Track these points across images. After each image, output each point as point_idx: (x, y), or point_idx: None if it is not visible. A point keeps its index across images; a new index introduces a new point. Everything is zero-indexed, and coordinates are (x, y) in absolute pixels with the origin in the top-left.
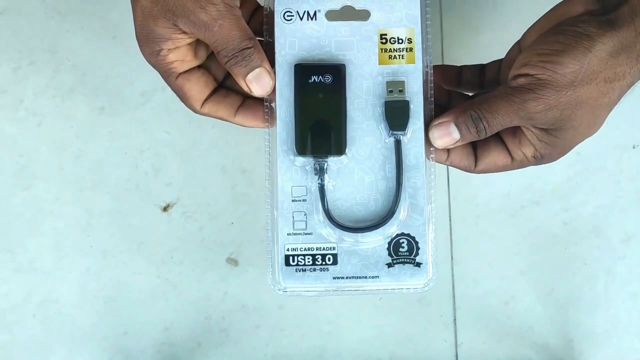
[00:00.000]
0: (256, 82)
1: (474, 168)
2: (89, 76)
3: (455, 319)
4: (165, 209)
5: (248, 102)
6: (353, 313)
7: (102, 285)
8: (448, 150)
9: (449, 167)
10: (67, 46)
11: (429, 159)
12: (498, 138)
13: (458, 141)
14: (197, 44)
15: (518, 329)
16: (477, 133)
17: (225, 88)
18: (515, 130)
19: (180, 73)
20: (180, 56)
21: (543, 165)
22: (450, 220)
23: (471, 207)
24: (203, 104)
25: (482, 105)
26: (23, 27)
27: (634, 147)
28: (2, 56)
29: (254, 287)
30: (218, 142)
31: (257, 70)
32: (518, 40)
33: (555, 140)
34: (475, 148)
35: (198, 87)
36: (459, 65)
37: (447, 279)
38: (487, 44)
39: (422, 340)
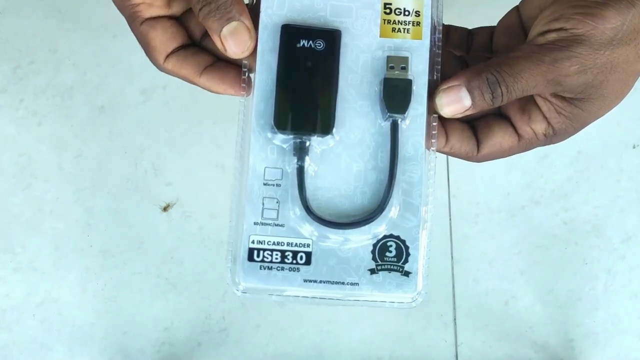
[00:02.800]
0: (232, 38)
1: (476, 154)
2: (89, 75)
3: (455, 319)
4: (165, 208)
5: (218, 64)
6: (353, 312)
7: (102, 285)
8: (447, 135)
9: (449, 164)
10: (67, 45)
11: (429, 150)
12: (501, 115)
13: (468, 109)
14: None
15: (518, 329)
16: (492, 100)
17: (198, 47)
18: (525, 103)
19: (146, 19)
20: None
21: (543, 165)
22: (450, 219)
23: (471, 206)
24: (167, 58)
25: (502, 66)
26: (23, 27)
27: (634, 147)
28: (2, 56)
29: None
30: (218, 141)
31: (234, 23)
32: (516, 6)
33: (577, 113)
34: (476, 131)
35: (163, 38)
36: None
37: (447, 278)
38: None
39: (422, 340)
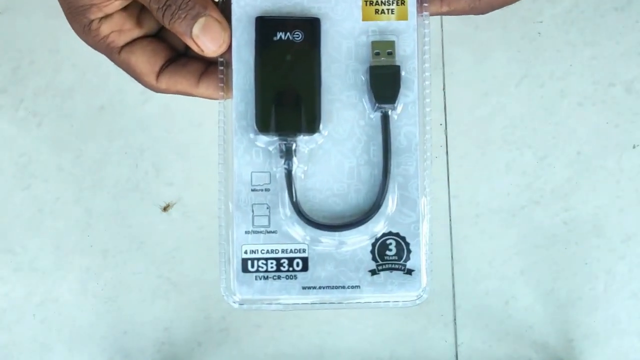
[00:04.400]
0: (204, 36)
1: (479, 1)
2: (89, 76)
3: (455, 319)
4: (165, 208)
5: (212, 68)
6: (353, 313)
7: (102, 285)
8: None
9: (449, 164)
10: (68, 46)
11: (422, 16)
12: None
13: None
14: (141, 11)
15: (518, 329)
16: None
17: (187, 57)
18: None
19: (122, 47)
20: (115, 26)
21: (543, 165)
22: (450, 219)
23: (471, 206)
24: (158, 78)
25: None
26: (23, 27)
27: (634, 147)
28: (2, 56)
29: None
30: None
31: (201, 20)
32: None
33: None
34: None
35: (145, 58)
36: None
37: (447, 278)
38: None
39: (422, 340)
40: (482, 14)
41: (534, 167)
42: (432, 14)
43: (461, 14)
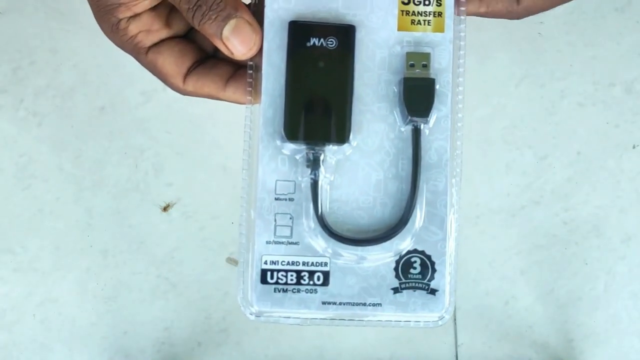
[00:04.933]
0: (235, 38)
1: (517, 6)
2: (90, 76)
3: (455, 319)
4: (165, 209)
5: (241, 72)
6: None
7: (102, 285)
8: None
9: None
10: (68, 46)
11: (459, 14)
12: None
13: None
14: (170, 11)
15: (518, 329)
16: None
17: (215, 59)
18: None
19: (150, 47)
20: (144, 26)
21: (543, 165)
22: None
23: (471, 207)
24: (185, 80)
25: None
26: (23, 27)
27: (634, 147)
28: (2, 56)
29: None
30: (219, 142)
31: (232, 21)
32: None
33: None
34: None
35: (172, 60)
36: None
37: None
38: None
39: (422, 340)
40: (518, 18)
41: (534, 167)
42: (469, 14)
43: (497, 17)
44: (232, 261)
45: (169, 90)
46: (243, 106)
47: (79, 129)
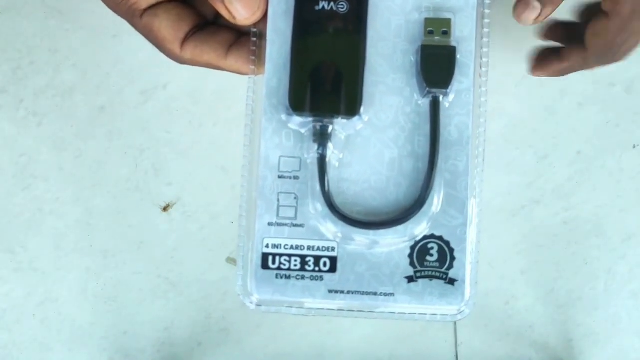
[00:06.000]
0: (238, 1)
1: (588, 62)
2: (89, 76)
3: None
4: (165, 209)
5: (244, 40)
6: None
7: (102, 285)
8: (560, 54)
9: None
10: (67, 45)
11: (536, 75)
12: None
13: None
14: None
15: (518, 329)
16: None
17: (216, 25)
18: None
19: (145, 10)
20: None
21: (543, 165)
22: None
23: None
24: (183, 46)
25: None
26: (23, 27)
27: (634, 147)
28: (2, 56)
29: None
30: (219, 142)
31: None
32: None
33: None
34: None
35: (169, 23)
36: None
37: None
38: None
39: (422, 340)
40: (590, 68)
41: (535, 166)
42: (552, 74)
43: (577, 70)
44: (232, 261)
45: (169, 89)
46: (247, 81)
47: (79, 128)
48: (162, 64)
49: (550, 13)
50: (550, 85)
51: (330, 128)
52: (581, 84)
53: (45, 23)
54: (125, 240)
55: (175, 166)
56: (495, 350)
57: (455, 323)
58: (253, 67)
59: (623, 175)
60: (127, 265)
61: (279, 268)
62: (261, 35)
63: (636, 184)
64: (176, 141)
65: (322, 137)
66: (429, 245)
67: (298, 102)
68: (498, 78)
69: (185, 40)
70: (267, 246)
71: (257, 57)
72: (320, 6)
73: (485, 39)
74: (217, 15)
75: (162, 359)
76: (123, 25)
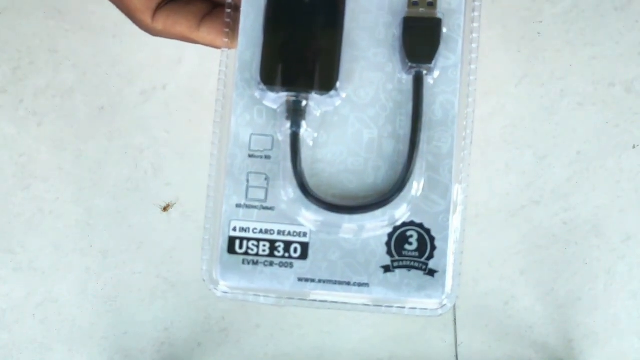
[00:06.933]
0: None
1: None
2: (89, 76)
3: (455, 319)
4: (165, 209)
5: (218, 11)
6: (353, 312)
7: (102, 285)
8: None
9: None
10: (67, 46)
11: None
12: None
13: None
14: None
15: (518, 329)
16: None
17: None
18: None
19: None
20: None
21: (542, 165)
22: None
23: (471, 206)
24: (154, 16)
25: None
26: (23, 27)
27: (634, 147)
28: (2, 56)
29: None
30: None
31: None
32: None
33: None
34: None
35: None
36: None
37: None
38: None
39: (422, 340)
40: None
41: (534, 167)
42: None
43: None
44: None
45: (168, 89)
46: (220, 55)
47: (79, 128)
48: (162, 64)
49: None
50: (550, 85)
51: (304, 103)
52: (581, 84)
53: (44, 23)
54: (125, 240)
55: (175, 166)
56: (495, 351)
57: (455, 323)
58: (227, 39)
59: (623, 175)
60: (127, 265)
61: (246, 253)
62: (237, 7)
63: (636, 184)
64: (176, 141)
65: (295, 113)
66: (408, 233)
67: (269, 75)
68: (498, 78)
69: (157, 10)
70: (234, 229)
71: (231, 29)
72: None
73: (476, 13)
74: None
75: (162, 359)
76: (123, 26)
